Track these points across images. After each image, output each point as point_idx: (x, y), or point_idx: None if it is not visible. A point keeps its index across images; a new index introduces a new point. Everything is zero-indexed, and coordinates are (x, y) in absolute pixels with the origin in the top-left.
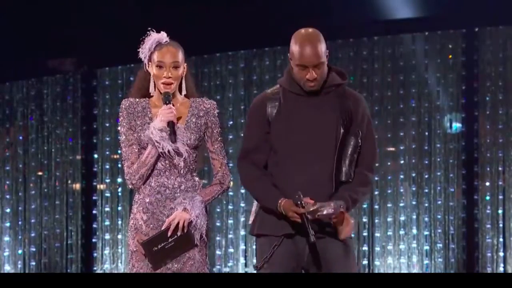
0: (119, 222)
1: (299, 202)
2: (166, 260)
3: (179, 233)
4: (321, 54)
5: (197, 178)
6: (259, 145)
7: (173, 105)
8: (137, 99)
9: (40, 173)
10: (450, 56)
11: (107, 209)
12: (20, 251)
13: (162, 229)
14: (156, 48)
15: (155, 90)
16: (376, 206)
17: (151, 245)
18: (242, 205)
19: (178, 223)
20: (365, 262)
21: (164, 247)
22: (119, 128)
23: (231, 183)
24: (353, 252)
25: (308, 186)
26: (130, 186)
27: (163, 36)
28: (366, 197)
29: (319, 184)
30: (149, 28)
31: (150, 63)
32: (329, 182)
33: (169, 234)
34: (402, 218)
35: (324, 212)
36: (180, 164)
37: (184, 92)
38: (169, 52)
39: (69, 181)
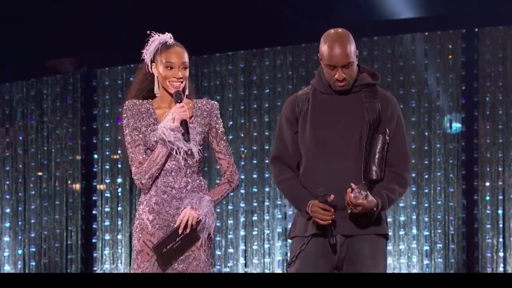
0: (119, 223)
1: (323, 195)
2: (173, 259)
3: (187, 231)
4: (350, 54)
5: (202, 178)
6: (290, 145)
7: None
8: (140, 101)
9: (40, 173)
10: (450, 56)
11: (107, 209)
12: (20, 251)
13: (173, 229)
14: (163, 49)
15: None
16: None
17: (161, 247)
18: (242, 205)
19: (187, 221)
20: None
21: (172, 247)
22: (123, 129)
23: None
24: (383, 251)
25: (337, 186)
26: (139, 186)
27: (168, 37)
28: (401, 197)
29: (347, 184)
30: (149, 31)
31: (153, 64)
32: (358, 182)
33: (179, 232)
34: (402, 218)
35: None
36: (190, 163)
37: (186, 92)
38: (178, 52)
39: (69, 181)
